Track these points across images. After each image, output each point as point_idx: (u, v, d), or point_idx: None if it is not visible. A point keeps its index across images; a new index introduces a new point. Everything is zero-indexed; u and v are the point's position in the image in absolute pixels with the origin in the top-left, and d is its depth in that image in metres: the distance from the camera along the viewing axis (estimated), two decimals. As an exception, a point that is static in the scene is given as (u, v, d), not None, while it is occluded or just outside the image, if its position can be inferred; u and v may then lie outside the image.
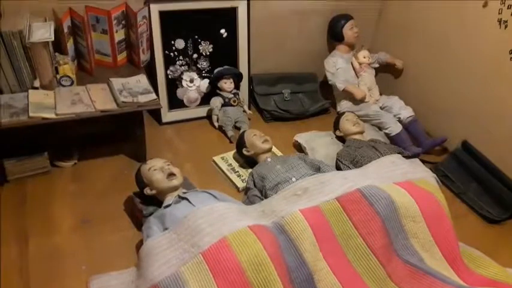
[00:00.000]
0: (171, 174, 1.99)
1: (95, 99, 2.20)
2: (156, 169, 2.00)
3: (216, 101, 2.79)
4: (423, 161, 2.60)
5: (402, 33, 3.06)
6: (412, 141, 2.71)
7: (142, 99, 2.25)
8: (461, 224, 2.22)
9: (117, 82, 2.32)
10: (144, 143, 2.40)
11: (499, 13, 2.36)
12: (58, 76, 2.25)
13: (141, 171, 2.05)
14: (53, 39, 2.10)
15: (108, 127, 2.46)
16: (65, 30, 2.24)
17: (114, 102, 2.21)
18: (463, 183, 2.51)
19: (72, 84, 2.28)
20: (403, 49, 3.06)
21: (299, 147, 2.69)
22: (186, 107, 2.83)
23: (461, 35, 2.62)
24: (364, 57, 3.00)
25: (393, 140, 2.72)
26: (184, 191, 2.02)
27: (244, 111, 2.88)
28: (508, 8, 2.31)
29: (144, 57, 2.57)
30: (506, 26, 2.34)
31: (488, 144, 2.52)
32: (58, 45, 2.27)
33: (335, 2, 3.03)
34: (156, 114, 2.73)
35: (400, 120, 2.80)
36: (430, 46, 2.85)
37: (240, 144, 2.43)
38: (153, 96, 2.29)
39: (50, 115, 2.06)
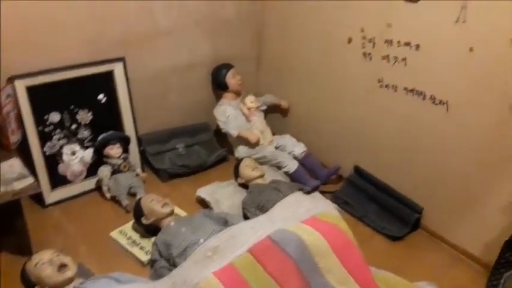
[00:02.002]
0: (62, 266, 1.77)
1: (-42, 196, 1.90)
2: (44, 263, 1.77)
3: (104, 170, 2.60)
4: (323, 192, 2.69)
5: (282, 75, 3.20)
6: (309, 175, 2.80)
7: (18, 185, 2.01)
8: (369, 247, 2.30)
9: (-16, 171, 2.04)
10: (26, 234, 2.12)
11: (362, 47, 2.57)
12: None
13: (27, 269, 1.79)
14: None
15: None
16: None
17: (-18, 195, 1.93)
18: (362, 206, 2.62)
19: None
20: (286, 89, 3.20)
21: (203, 202, 2.61)
22: (71, 182, 2.60)
23: (333, 69, 2.80)
24: (251, 102, 3.06)
25: (292, 177, 2.78)
26: (81, 281, 1.80)
27: (137, 175, 2.72)
28: (369, 42, 2.53)
29: (14, 138, 2.31)
30: (370, 58, 2.55)
31: (378, 165, 2.68)
32: None
33: (213, 53, 3.08)
34: (37, 197, 2.45)
35: (295, 157, 2.89)
36: (309, 83, 3.01)
37: (138, 213, 2.27)
38: (30, 180, 2.06)
39: None
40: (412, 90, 2.40)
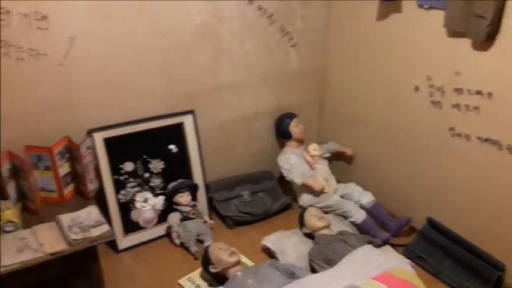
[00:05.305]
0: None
1: (43, 242, 2.02)
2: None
3: (174, 217, 2.68)
4: (394, 245, 2.58)
5: (346, 122, 3.20)
6: (378, 226, 2.70)
7: (95, 232, 2.11)
8: (446, 305, 2.16)
9: (66, 218, 2.17)
10: (101, 278, 2.20)
11: (430, 95, 2.52)
12: (1, 223, 2.08)
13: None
14: (-9, 188, 1.98)
15: (60, 267, 2.25)
16: (5, 174, 2.12)
17: (64, 241, 2.05)
18: (437, 261, 2.47)
19: (16, 229, 2.11)
20: (349, 136, 3.18)
21: (268, 251, 2.59)
22: (143, 228, 2.70)
23: (401, 117, 2.76)
24: (315, 150, 3.06)
25: (360, 228, 2.69)
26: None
27: (205, 222, 2.78)
28: (437, 90, 2.47)
29: (92, 186, 2.46)
30: (440, 107, 2.49)
31: (453, 217, 2.55)
32: (-2, 191, 2.13)
33: (277, 102, 3.15)
34: (111, 242, 2.55)
35: (362, 206, 2.81)
36: (375, 131, 2.97)
37: (206, 261, 2.30)
38: (106, 227, 2.15)
39: (-7, 269, 1.86)
40: (486, 140, 2.30)
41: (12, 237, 2.05)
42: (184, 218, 2.69)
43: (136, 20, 2.45)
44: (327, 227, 2.54)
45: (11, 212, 2.10)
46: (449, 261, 2.44)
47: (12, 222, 2.10)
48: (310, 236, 2.60)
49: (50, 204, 2.32)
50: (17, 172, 2.22)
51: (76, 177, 2.42)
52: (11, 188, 2.19)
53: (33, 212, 2.26)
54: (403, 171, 2.83)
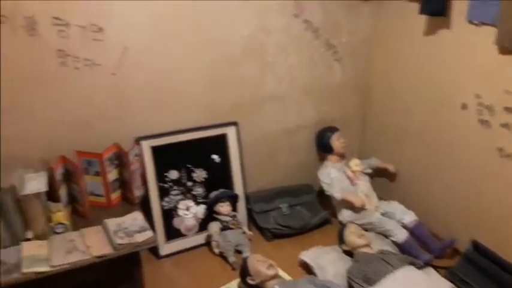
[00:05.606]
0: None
1: (90, 244, 2.11)
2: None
3: (214, 226, 2.72)
4: (436, 267, 2.50)
5: (389, 137, 3.15)
6: (420, 246, 2.63)
7: (139, 238, 2.17)
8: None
9: (112, 223, 2.25)
10: (142, 284, 2.27)
11: (478, 114, 2.45)
12: (52, 224, 2.19)
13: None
14: (44, 190, 2.08)
15: (104, 271, 2.33)
16: (58, 178, 2.24)
17: (109, 245, 2.12)
18: (481, 286, 2.37)
19: (66, 230, 2.22)
20: (392, 152, 3.12)
21: (306, 266, 2.58)
22: (184, 236, 2.75)
23: (446, 135, 2.69)
24: (356, 165, 3.03)
25: (401, 248, 2.63)
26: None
27: (244, 232, 2.80)
28: (486, 109, 2.40)
29: (138, 192, 2.55)
30: (489, 126, 2.41)
31: (500, 241, 2.45)
32: (51, 193, 2.24)
33: (319, 116, 3.16)
34: (153, 248, 2.63)
35: (404, 226, 2.75)
36: (419, 148, 2.90)
37: (244, 272, 2.32)
38: (150, 233, 2.22)
39: (44, 268, 1.96)
40: (539, 162, 2.21)
41: (62, 238, 2.16)
42: (224, 228, 2.73)
43: (187, 32, 2.52)
44: (368, 245, 2.50)
45: (61, 214, 2.21)
46: (494, 287, 2.34)
47: (62, 224, 2.20)
48: (349, 253, 2.57)
49: (97, 208, 2.42)
50: (69, 176, 2.34)
51: (123, 183, 2.51)
52: (62, 191, 2.30)
53: (82, 216, 2.36)
54: (448, 191, 2.75)
